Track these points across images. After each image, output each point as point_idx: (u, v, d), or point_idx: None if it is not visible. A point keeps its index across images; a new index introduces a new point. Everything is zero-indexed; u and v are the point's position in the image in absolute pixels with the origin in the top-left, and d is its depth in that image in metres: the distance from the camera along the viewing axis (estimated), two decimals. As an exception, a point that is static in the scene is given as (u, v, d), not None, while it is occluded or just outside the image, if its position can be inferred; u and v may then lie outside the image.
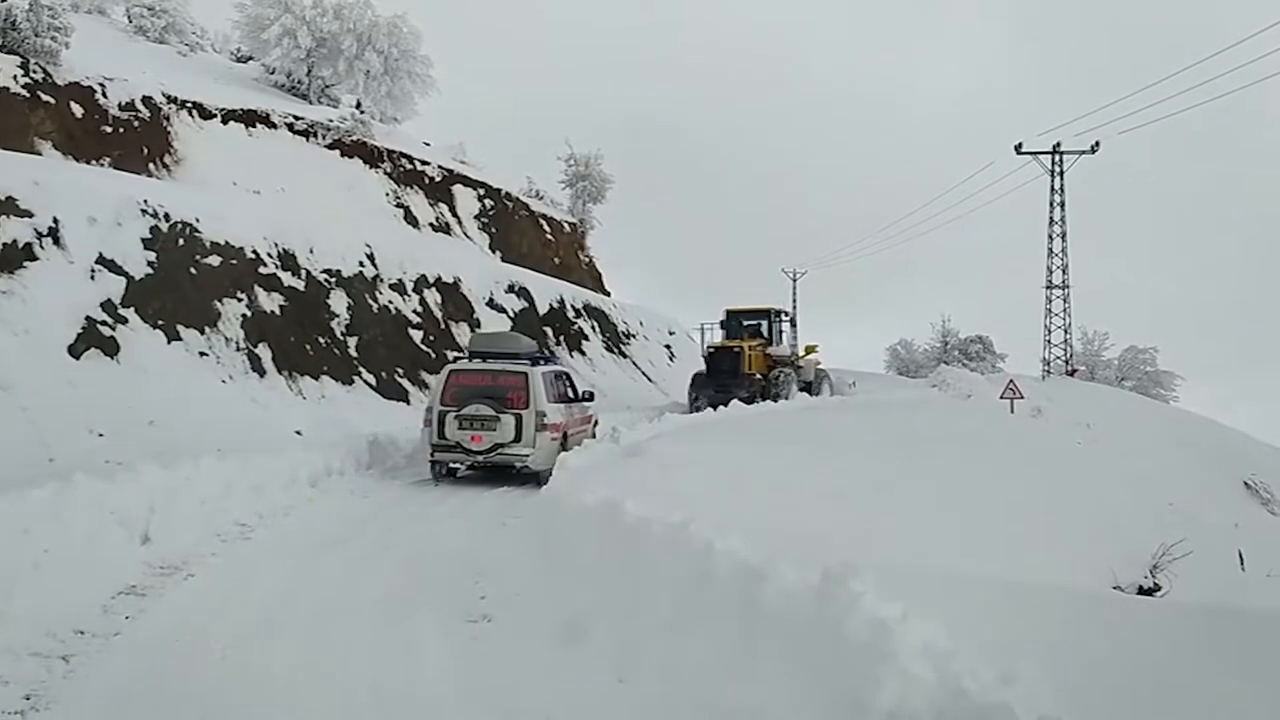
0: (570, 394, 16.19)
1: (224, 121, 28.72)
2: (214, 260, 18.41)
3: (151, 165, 24.02)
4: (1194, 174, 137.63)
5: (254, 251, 19.56)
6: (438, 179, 35.69)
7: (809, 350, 28.92)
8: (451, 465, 14.50)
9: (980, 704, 3.73)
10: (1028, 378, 31.08)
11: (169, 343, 16.22)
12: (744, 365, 25.72)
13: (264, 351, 18.11)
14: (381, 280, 23.45)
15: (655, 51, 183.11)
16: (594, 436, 16.08)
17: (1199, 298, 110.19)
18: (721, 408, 20.65)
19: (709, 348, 27.07)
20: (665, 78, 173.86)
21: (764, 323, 28.03)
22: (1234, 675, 4.54)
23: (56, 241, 15.33)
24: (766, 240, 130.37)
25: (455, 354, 16.80)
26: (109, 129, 23.29)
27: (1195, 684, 4.42)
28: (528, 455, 13.80)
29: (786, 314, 29.01)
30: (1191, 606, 6.58)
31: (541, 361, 15.66)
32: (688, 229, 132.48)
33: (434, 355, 23.57)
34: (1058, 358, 38.13)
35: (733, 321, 28.08)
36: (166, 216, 17.74)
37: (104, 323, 15.15)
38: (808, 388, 27.29)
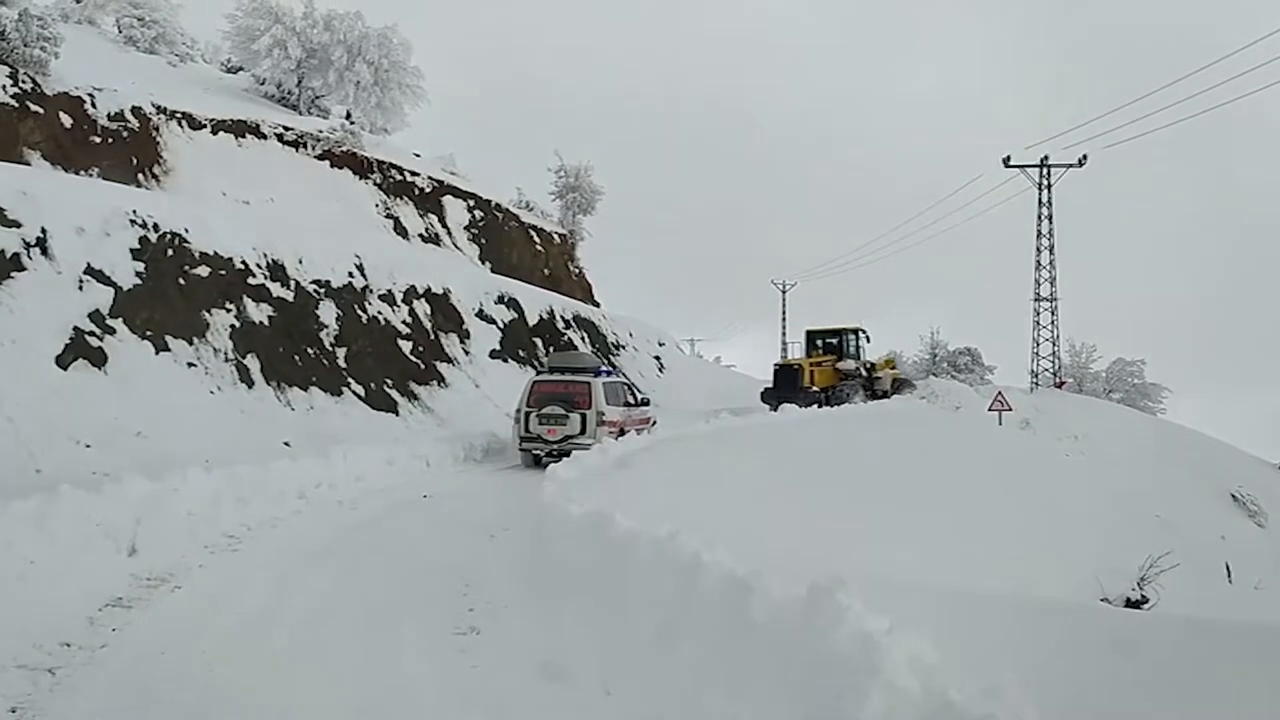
0: (630, 399, 20.14)
1: (214, 132, 28.71)
2: (203, 271, 18.36)
3: (140, 175, 23.99)
4: (1181, 187, 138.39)
5: (243, 262, 19.53)
6: (427, 190, 35.70)
7: (887, 364, 33.41)
8: (535, 452, 17.97)
9: (966, 716, 3.73)
10: (1015, 390, 31.23)
11: (157, 353, 16.16)
12: (802, 380, 29.76)
13: (252, 362, 18.06)
14: (371, 291, 23.43)
15: (649, 57, 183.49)
16: (651, 430, 19.59)
17: (1186, 310, 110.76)
18: (714, 419, 21.49)
19: (774, 365, 32.04)
20: (661, 84, 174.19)
21: (837, 340, 32.09)
22: (1222, 688, 4.55)
23: (44, 252, 15.27)
24: (759, 252, 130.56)
25: (538, 369, 22.40)
26: (98, 139, 23.27)
27: (1182, 697, 4.43)
28: (590, 444, 16.17)
29: (863, 332, 32.57)
30: (1179, 619, 6.60)
31: (604, 374, 19.44)
32: (680, 240, 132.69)
33: (423, 366, 23.54)
34: (1046, 370, 38.26)
35: (813, 339, 32.75)
36: (155, 227, 17.70)
37: (92, 333, 15.09)
38: (884, 395, 31.06)
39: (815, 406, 26.72)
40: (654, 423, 20.52)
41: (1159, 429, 32.29)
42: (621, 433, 17.96)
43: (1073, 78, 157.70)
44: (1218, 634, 5.60)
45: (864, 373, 31.75)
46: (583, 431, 17.67)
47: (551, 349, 29.49)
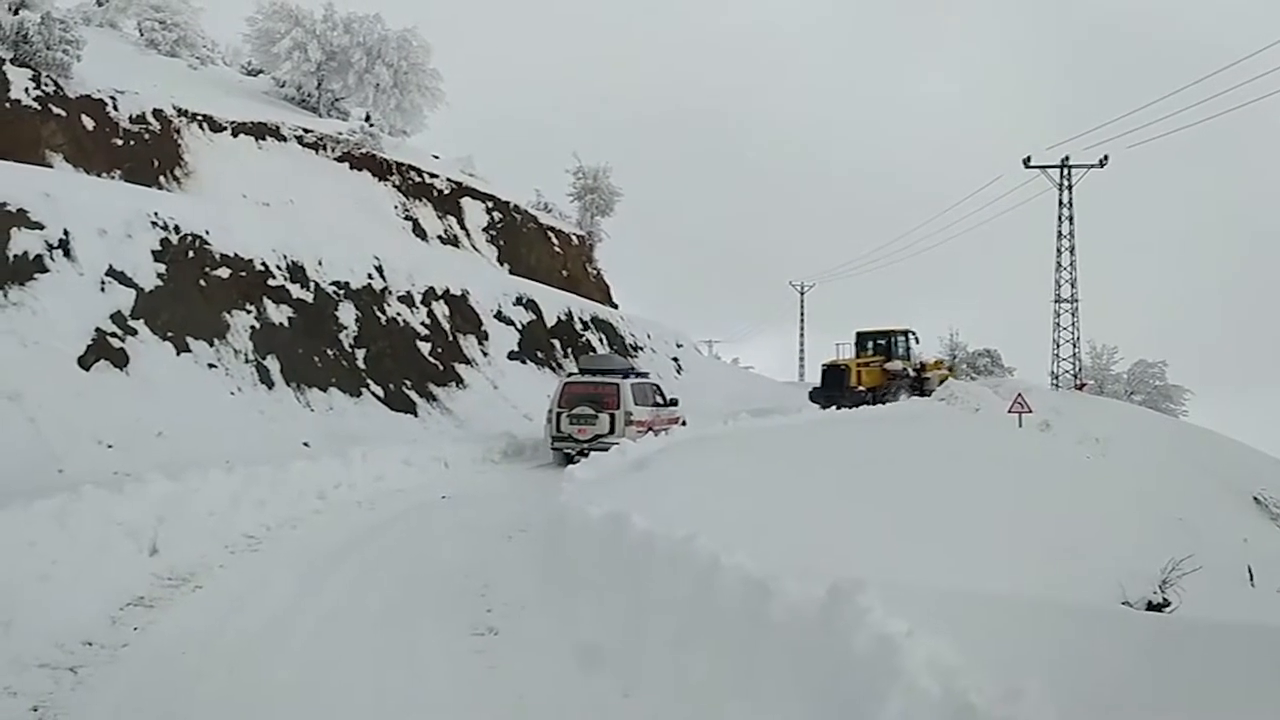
0: (659, 399, 20.93)
1: (234, 134, 28.86)
2: (223, 272, 18.49)
3: (162, 178, 24.14)
4: (1206, 186, 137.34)
5: (263, 263, 19.64)
6: (446, 191, 35.78)
7: (936, 365, 34.12)
8: (566, 450, 18.50)
9: (986, 720, 3.72)
10: (1038, 388, 31.27)
11: (178, 354, 16.27)
12: (848, 380, 30.73)
13: (272, 363, 18.16)
14: (390, 292, 23.52)
15: (663, 58, 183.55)
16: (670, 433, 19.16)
17: (1207, 311, 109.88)
18: (732, 421, 21.43)
19: (822, 365, 32.84)
20: (675, 86, 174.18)
21: (887, 341, 32.77)
22: (1244, 692, 4.51)
23: (67, 253, 15.40)
24: (776, 254, 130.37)
25: (569, 371, 23.39)
26: (119, 141, 23.42)
27: (1204, 700, 4.39)
28: (619, 443, 16.12)
29: (912, 334, 33.33)
30: (1201, 622, 6.55)
31: (632, 376, 20.38)
32: (697, 242, 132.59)
33: (441, 367, 23.60)
34: (1066, 372, 38.06)
35: (863, 340, 33.25)
36: (176, 229, 17.83)
37: (113, 334, 15.21)
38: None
39: (832, 407, 27.00)
40: (683, 422, 20.81)
41: (1180, 431, 32.06)
42: (650, 431, 18.37)
43: (1091, 79, 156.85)
44: (1240, 637, 5.55)
45: (911, 373, 32.24)
46: (612, 431, 18.31)
47: (570, 350, 29.64)
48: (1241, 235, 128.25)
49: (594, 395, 18.98)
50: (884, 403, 29.13)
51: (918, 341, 33.67)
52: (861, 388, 30.40)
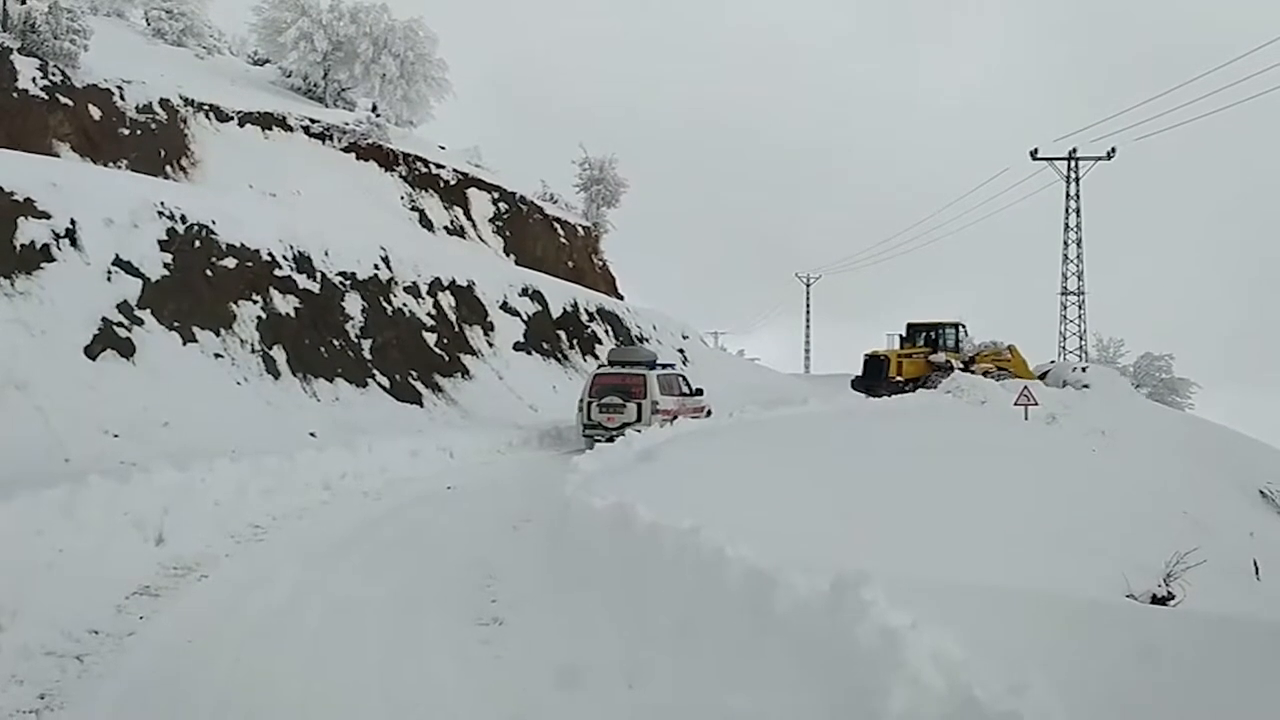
0: (684, 390, 21.68)
1: (241, 124, 28.91)
2: (230, 262, 18.49)
3: (168, 167, 24.19)
4: (1215, 178, 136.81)
5: (269, 254, 19.64)
6: (452, 182, 35.79)
7: (985, 357, 33.81)
8: (596, 438, 18.26)
9: (990, 713, 3.71)
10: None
11: (184, 344, 16.29)
12: (888, 370, 31.45)
13: (279, 354, 18.18)
14: (396, 283, 23.52)
15: (670, 52, 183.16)
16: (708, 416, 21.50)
17: (1216, 304, 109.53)
18: (738, 413, 21.83)
19: (864, 355, 33.16)
20: (682, 79, 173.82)
21: (936, 334, 33.49)
22: (1249, 686, 4.51)
23: (74, 243, 15.41)
24: (782, 246, 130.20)
25: (599, 363, 23.99)
26: (126, 131, 23.46)
27: (1209, 694, 4.39)
28: (646, 430, 17.35)
29: (962, 326, 33.97)
30: (1206, 616, 6.53)
31: (658, 367, 21.22)
32: (703, 233, 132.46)
33: (447, 358, 23.61)
34: (1074, 366, 37.97)
35: (913, 332, 33.93)
36: (183, 218, 17.83)
37: (120, 324, 15.22)
38: None
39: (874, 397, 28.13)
40: (708, 412, 21.77)
41: (1187, 424, 31.96)
42: (675, 420, 19.07)
43: (1099, 71, 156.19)
44: (1245, 631, 5.54)
45: (954, 365, 32.42)
46: (639, 419, 19.18)
47: (576, 341, 29.76)
48: (1251, 228, 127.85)
49: (622, 385, 19.85)
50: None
51: (967, 334, 34.30)
52: (901, 378, 31.04)
